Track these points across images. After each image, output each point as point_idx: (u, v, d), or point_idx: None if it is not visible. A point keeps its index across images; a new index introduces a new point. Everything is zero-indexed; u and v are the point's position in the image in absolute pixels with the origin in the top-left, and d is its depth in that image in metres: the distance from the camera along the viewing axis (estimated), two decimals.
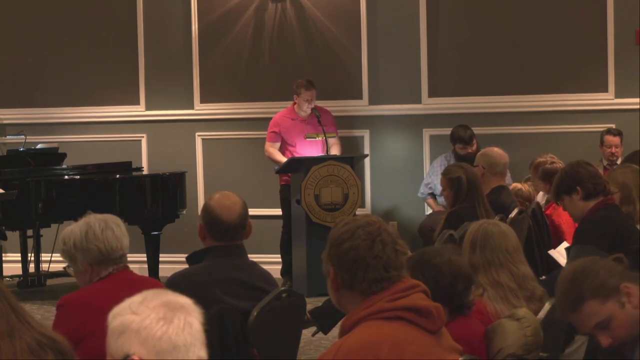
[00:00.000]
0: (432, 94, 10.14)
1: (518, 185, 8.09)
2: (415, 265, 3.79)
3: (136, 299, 2.30)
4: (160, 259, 9.25)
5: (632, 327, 3.21)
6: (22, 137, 10.13)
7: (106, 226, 4.17)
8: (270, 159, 9.72)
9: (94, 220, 4.19)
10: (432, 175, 9.75)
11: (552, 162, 7.69)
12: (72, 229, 4.20)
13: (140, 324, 2.25)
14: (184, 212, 9.42)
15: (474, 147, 9.51)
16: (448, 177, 6.99)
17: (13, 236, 9.87)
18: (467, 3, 10.09)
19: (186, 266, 4.72)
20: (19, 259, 10.04)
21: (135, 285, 3.88)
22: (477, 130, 9.67)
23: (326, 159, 9.33)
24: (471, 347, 3.67)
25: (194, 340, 2.27)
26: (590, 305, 3.19)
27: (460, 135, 9.60)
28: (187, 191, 9.50)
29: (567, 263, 5.65)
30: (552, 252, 6.54)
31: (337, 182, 9.27)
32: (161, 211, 9.16)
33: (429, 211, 10.00)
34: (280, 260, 9.63)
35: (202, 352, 2.28)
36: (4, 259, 10.17)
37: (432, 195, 9.83)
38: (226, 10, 10.52)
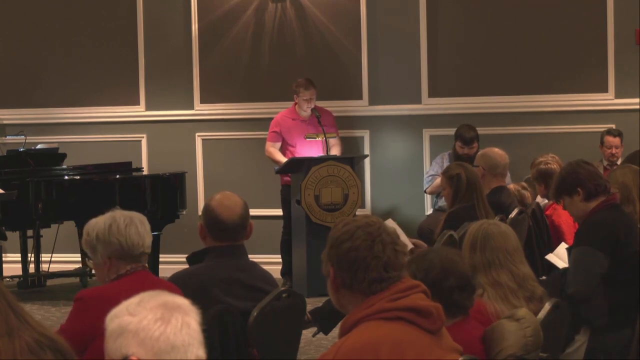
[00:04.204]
0: (432, 94, 10.14)
1: (510, 186, 8.05)
2: (413, 259, 3.79)
3: (133, 300, 2.31)
4: (160, 259, 9.24)
5: None
6: (22, 137, 10.12)
7: (130, 222, 4.23)
8: (270, 159, 9.72)
9: (119, 214, 4.26)
10: (431, 171, 9.72)
11: (547, 163, 7.64)
12: (97, 220, 4.25)
13: (138, 325, 2.26)
14: (184, 212, 9.42)
15: (474, 150, 9.46)
16: (447, 175, 6.99)
17: (13, 236, 9.86)
18: (467, 3, 10.09)
19: (186, 266, 4.72)
20: (19, 259, 10.02)
21: (153, 286, 3.86)
22: (477, 130, 9.64)
23: (326, 159, 9.32)
24: (470, 351, 3.64)
25: (192, 340, 2.27)
26: None
27: (462, 134, 9.55)
28: (187, 191, 9.49)
29: (568, 265, 5.63)
30: (549, 256, 6.51)
31: (337, 183, 9.27)
32: (161, 211, 9.16)
33: (428, 211, 10.00)
34: (280, 260, 9.62)
35: (201, 352, 2.29)
36: (4, 259, 10.16)
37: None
38: (226, 10, 10.51)
